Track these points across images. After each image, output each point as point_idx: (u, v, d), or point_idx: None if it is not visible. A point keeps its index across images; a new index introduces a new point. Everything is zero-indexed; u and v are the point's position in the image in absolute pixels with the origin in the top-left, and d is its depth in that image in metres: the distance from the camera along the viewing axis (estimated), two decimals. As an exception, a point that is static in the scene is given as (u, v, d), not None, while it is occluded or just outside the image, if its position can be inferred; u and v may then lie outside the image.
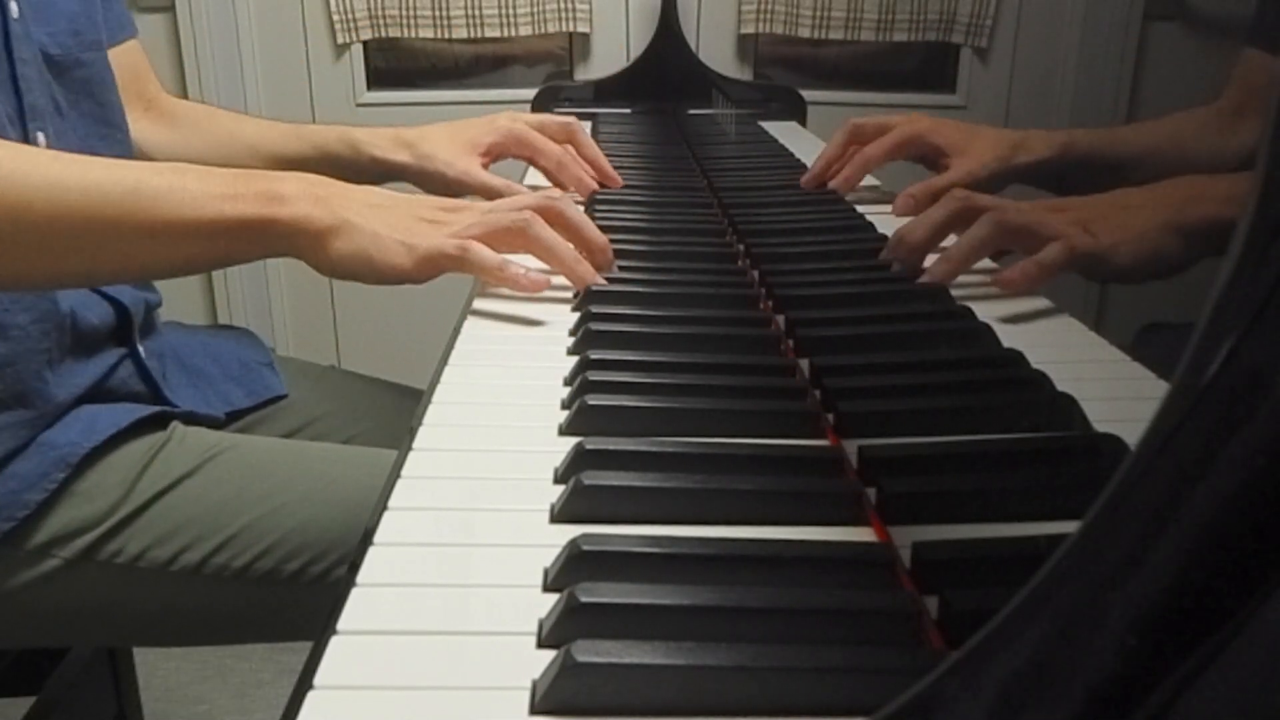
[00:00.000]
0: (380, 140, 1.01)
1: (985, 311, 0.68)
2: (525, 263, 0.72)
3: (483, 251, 0.69)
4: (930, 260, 0.77)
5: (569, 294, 0.74)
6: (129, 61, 1.00)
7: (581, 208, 0.80)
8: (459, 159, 1.00)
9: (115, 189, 0.63)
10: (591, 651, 0.34)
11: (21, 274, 0.67)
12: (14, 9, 0.79)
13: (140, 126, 1.01)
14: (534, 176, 1.09)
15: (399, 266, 0.68)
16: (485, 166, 1.02)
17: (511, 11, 1.94)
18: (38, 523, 0.76)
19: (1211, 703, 0.21)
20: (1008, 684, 0.23)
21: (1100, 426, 0.51)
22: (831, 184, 1.03)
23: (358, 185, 0.71)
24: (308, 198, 0.67)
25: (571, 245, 0.74)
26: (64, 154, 0.67)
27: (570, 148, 1.05)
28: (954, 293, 0.72)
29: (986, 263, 0.78)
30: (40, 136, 0.80)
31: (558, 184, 1.03)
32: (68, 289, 0.79)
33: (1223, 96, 0.95)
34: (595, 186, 1.03)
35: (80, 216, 0.63)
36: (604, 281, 0.74)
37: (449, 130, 1.03)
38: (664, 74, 1.75)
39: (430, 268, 0.68)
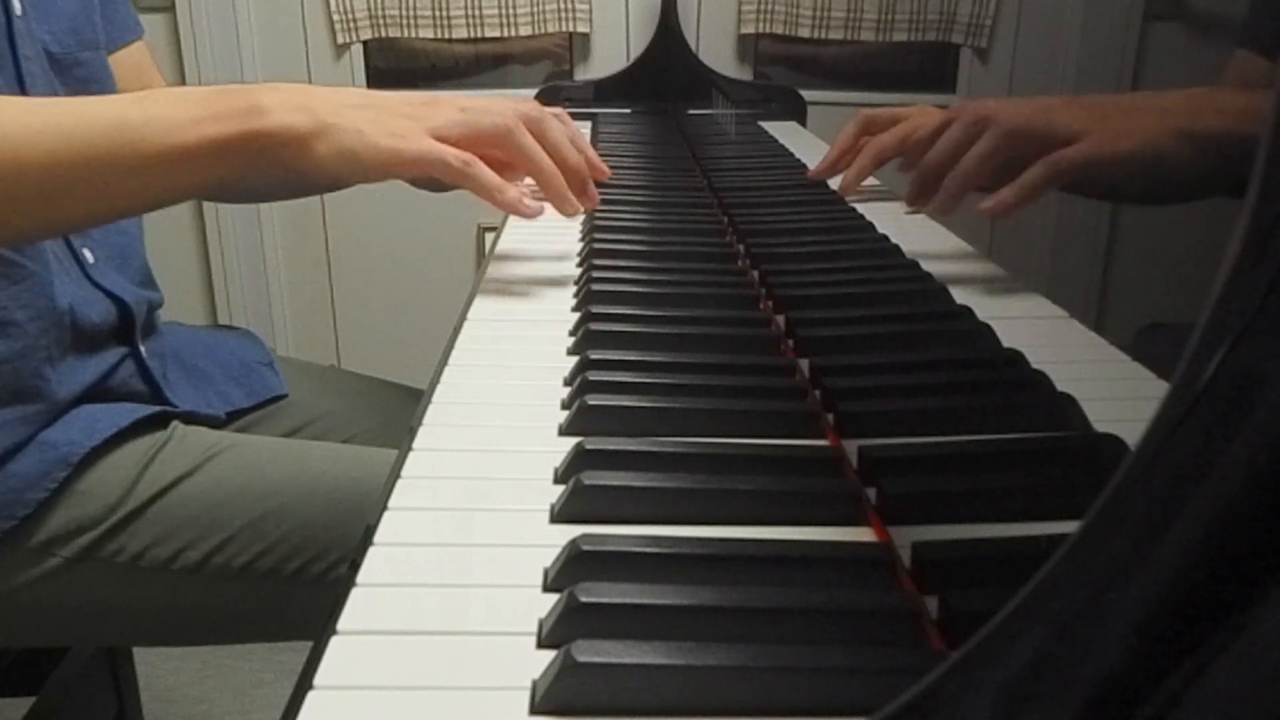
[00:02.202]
0: None
1: (985, 311, 0.68)
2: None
3: (485, 171, 0.69)
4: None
5: (569, 293, 0.74)
6: (135, 61, 1.00)
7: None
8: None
9: (99, 129, 0.63)
10: (591, 651, 0.34)
11: (23, 225, 0.67)
12: (16, 6, 0.79)
13: None
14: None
15: (384, 163, 0.67)
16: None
17: (511, 11, 1.94)
18: (38, 522, 0.76)
19: (1215, 703, 0.21)
20: (1007, 684, 0.23)
21: (1100, 426, 0.51)
22: (843, 176, 1.00)
23: (337, 88, 0.71)
24: (288, 106, 0.66)
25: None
26: (43, 100, 0.66)
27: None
28: (952, 289, 0.72)
29: (989, 256, 0.78)
30: None
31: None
32: (71, 234, 0.80)
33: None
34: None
35: (73, 162, 0.62)
36: (579, 207, 0.75)
37: None
38: (664, 74, 1.76)
39: (418, 168, 0.68)
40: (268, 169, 0.67)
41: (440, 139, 0.68)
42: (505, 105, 0.74)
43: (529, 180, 0.76)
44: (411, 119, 0.69)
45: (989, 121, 0.73)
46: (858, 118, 1.02)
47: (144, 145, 0.63)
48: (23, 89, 0.79)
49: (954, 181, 0.74)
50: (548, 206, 0.76)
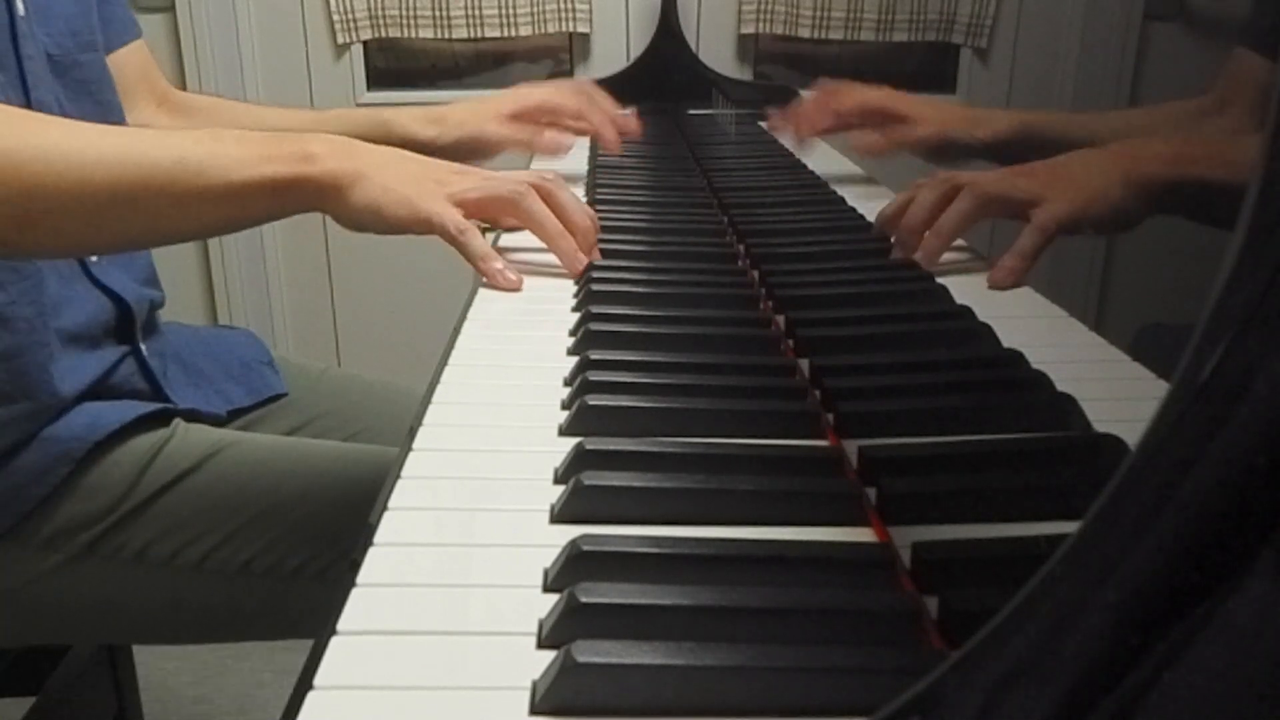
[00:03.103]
0: (410, 120, 1.05)
1: (985, 311, 0.68)
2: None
3: (476, 239, 0.74)
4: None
5: (569, 294, 0.74)
6: (138, 60, 1.01)
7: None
8: (489, 123, 1.06)
9: (164, 159, 0.67)
10: (591, 651, 0.34)
11: (83, 241, 0.72)
12: (20, 7, 0.79)
13: (159, 121, 1.02)
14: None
15: (401, 218, 0.72)
16: None
17: (511, 11, 1.94)
18: (41, 517, 0.76)
19: (1181, 690, 0.21)
20: (998, 673, 0.23)
21: (1100, 426, 0.51)
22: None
23: (380, 145, 0.76)
24: (335, 155, 0.72)
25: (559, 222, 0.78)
26: (113, 128, 0.71)
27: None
28: (953, 291, 0.72)
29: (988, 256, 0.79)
30: None
31: (591, 132, 1.14)
32: (125, 252, 0.86)
33: (1208, 94, 0.97)
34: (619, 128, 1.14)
35: (135, 187, 0.67)
36: (584, 261, 0.77)
37: (473, 102, 1.09)
38: (664, 74, 1.75)
39: (426, 227, 0.73)
40: (306, 209, 0.72)
41: (459, 204, 0.74)
42: (522, 175, 0.80)
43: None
44: (438, 183, 0.75)
45: (962, 184, 0.79)
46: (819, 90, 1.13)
47: (202, 180, 0.68)
48: (25, 89, 0.79)
49: (936, 238, 0.79)
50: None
